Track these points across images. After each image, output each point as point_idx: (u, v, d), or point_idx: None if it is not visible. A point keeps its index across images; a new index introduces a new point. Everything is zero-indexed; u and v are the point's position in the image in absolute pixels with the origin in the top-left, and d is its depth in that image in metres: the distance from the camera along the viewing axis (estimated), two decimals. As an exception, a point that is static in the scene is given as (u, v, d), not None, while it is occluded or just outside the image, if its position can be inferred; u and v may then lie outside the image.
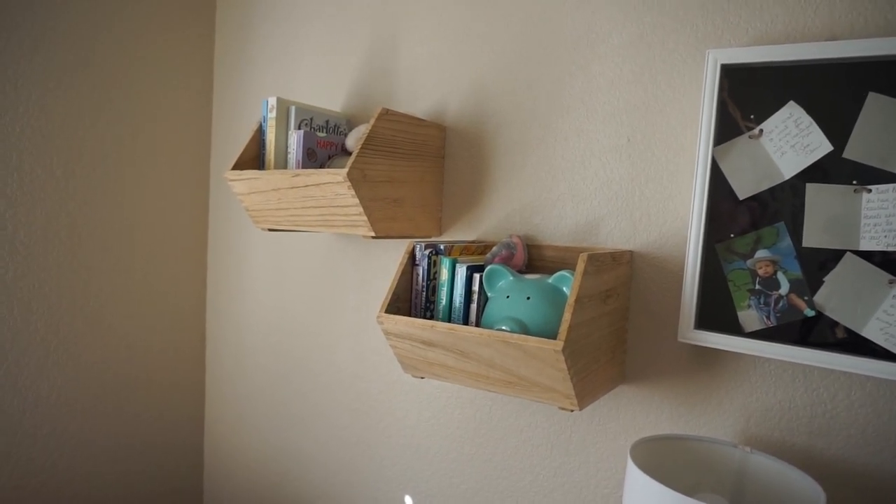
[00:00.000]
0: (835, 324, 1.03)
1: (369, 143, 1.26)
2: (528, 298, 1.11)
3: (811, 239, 1.05)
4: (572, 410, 1.08)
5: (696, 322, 1.15)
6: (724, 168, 1.12)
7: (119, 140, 1.83)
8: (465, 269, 1.20)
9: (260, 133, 1.50)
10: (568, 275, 1.10)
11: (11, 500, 1.69)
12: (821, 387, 1.08)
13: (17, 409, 1.68)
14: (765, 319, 1.09)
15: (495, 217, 1.43)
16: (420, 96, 1.55)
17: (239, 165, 1.45)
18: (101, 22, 1.76)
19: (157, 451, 2.04)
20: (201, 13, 2.01)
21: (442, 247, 1.26)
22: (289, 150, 1.45)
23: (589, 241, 1.31)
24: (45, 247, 1.69)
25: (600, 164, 1.29)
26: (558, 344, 0.98)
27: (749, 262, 1.10)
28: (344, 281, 1.72)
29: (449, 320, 1.23)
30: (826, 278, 1.03)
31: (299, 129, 1.46)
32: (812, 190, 1.04)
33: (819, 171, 1.04)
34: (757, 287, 1.09)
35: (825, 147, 1.03)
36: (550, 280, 1.13)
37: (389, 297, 1.21)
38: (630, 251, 1.25)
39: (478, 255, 1.33)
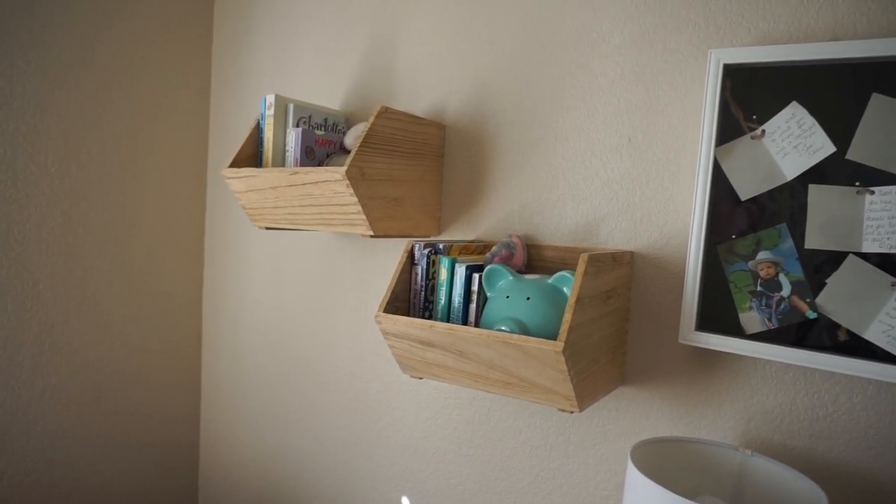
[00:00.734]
0: (837, 326, 1.02)
1: (368, 141, 1.25)
2: (528, 299, 1.10)
3: (813, 240, 1.04)
4: (572, 412, 1.07)
5: (696, 323, 1.14)
6: (726, 168, 1.11)
7: (115, 137, 1.82)
8: (464, 268, 1.19)
9: (258, 130, 1.48)
10: (568, 275, 1.09)
11: (5, 498, 1.67)
12: (822, 389, 1.07)
13: (11, 407, 1.67)
14: (766, 321, 1.08)
15: (495, 217, 1.42)
16: (420, 95, 1.54)
17: (236, 163, 1.44)
18: (98, 18, 1.74)
19: (153, 450, 2.03)
20: (199, 11, 2.00)
21: (441, 246, 1.24)
22: (287, 147, 1.44)
23: (589, 242, 1.30)
24: (39, 244, 1.68)
25: (601, 163, 1.28)
26: (558, 345, 0.97)
27: (750, 263, 1.09)
28: (342, 280, 1.71)
29: (448, 320, 1.22)
30: (828, 280, 1.03)
31: (297, 126, 1.45)
32: (814, 191, 1.04)
33: (822, 173, 1.03)
34: (758, 289, 1.09)
35: (828, 148, 1.02)
36: (550, 280, 1.12)
37: (388, 296, 1.20)
38: (631, 252, 1.24)
39: (477, 255, 1.32)
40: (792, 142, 1.05)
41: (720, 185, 1.11)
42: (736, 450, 1.08)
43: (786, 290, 1.06)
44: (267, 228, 1.49)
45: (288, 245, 1.83)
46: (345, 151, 1.50)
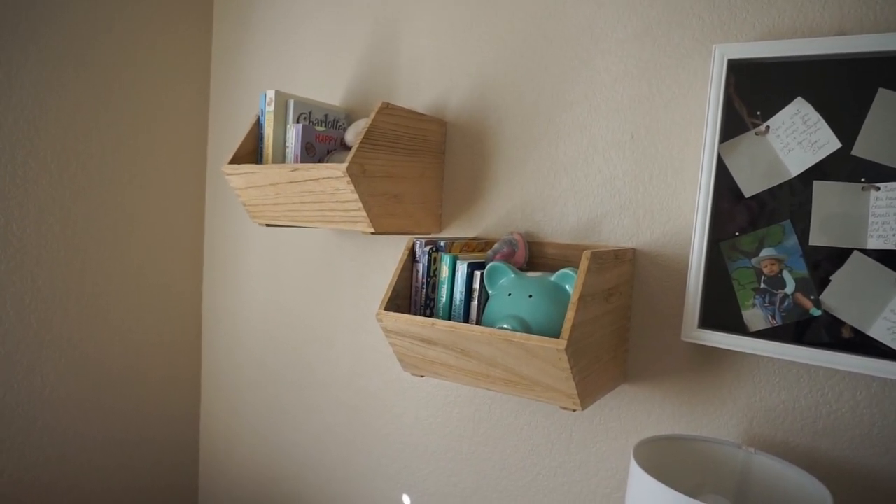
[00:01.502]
0: (841, 323, 1.02)
1: (369, 137, 1.24)
2: (531, 296, 1.09)
3: (818, 237, 1.03)
4: (574, 410, 1.07)
5: (699, 321, 1.13)
6: (730, 165, 1.10)
7: (115, 133, 1.81)
8: (465, 266, 1.18)
9: (258, 127, 1.47)
10: (570, 273, 1.09)
11: (5, 495, 1.67)
12: (826, 387, 1.07)
13: (11, 403, 1.66)
14: (770, 319, 1.07)
15: (496, 214, 1.42)
16: (421, 90, 1.53)
17: (236, 159, 1.43)
18: (98, 14, 1.73)
19: (153, 446, 2.02)
20: (199, 7, 1.98)
21: (442, 243, 1.24)
22: (287, 144, 1.43)
23: (591, 239, 1.29)
24: (38, 240, 1.67)
25: (603, 160, 1.27)
26: (561, 343, 0.97)
27: (754, 260, 1.09)
28: (341, 277, 1.70)
29: (449, 318, 1.21)
30: (832, 277, 1.02)
31: (298, 122, 1.44)
32: (819, 188, 1.03)
33: (826, 169, 1.02)
34: (762, 286, 1.08)
35: (833, 144, 1.01)
36: (553, 278, 1.11)
37: (389, 294, 1.20)
38: (633, 249, 1.23)
39: (479, 253, 1.32)
40: (797, 138, 1.05)
41: (724, 181, 1.11)
42: (739, 447, 1.07)
43: (790, 288, 1.06)
44: (267, 225, 1.48)
45: (287, 242, 1.82)
46: (345, 148, 1.49)
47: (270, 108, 1.43)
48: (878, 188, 0.98)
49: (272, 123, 1.43)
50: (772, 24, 1.09)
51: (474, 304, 1.20)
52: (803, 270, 1.05)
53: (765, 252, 1.08)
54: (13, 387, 1.66)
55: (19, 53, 1.59)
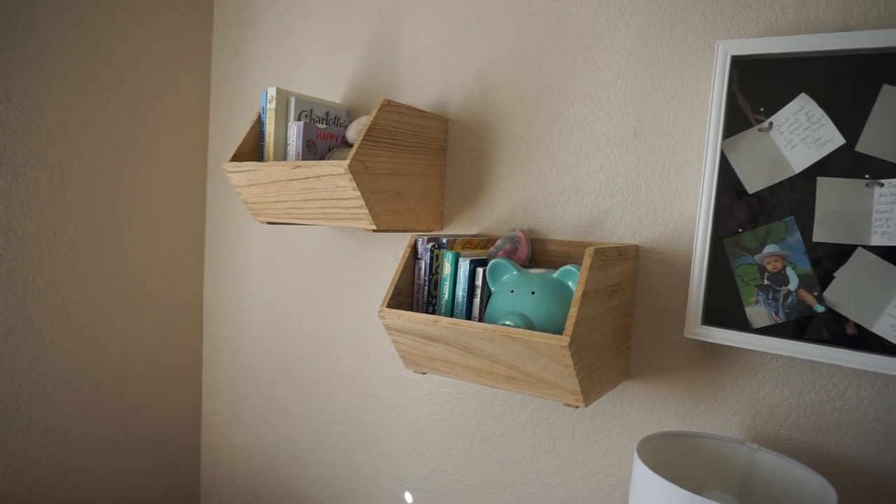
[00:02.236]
0: (845, 320, 1.01)
1: (371, 134, 1.24)
2: (533, 293, 1.09)
3: (821, 234, 1.03)
4: (577, 407, 1.06)
5: (703, 318, 1.13)
6: (733, 161, 1.10)
7: (116, 131, 1.80)
8: (468, 263, 1.18)
9: (259, 124, 1.47)
10: (573, 269, 1.08)
11: (7, 495, 1.67)
12: (829, 383, 1.07)
13: (12, 403, 1.66)
14: (773, 315, 1.07)
15: (498, 211, 1.41)
16: (422, 88, 1.52)
17: (237, 157, 1.43)
18: (98, 11, 1.73)
19: (154, 446, 2.02)
20: (200, 4, 1.98)
21: (444, 240, 1.23)
22: (288, 141, 1.43)
23: (594, 236, 1.29)
24: (39, 239, 1.67)
25: (606, 157, 1.27)
26: (564, 339, 0.97)
27: (757, 257, 1.08)
28: (342, 275, 1.70)
29: (451, 315, 1.21)
30: (836, 273, 1.02)
31: (299, 120, 1.44)
32: (823, 184, 1.02)
33: (830, 165, 1.02)
34: (765, 282, 1.08)
35: (837, 140, 1.01)
36: (556, 275, 1.11)
37: (391, 291, 1.19)
38: (636, 246, 1.23)
39: (481, 250, 1.31)
40: (800, 134, 1.04)
41: (727, 178, 1.10)
42: (742, 444, 1.07)
43: (793, 284, 1.05)
44: (269, 223, 1.48)
45: (288, 240, 1.82)
46: (346, 145, 1.49)
47: (272, 106, 1.43)
48: (882, 184, 0.98)
49: (273, 121, 1.43)
50: (775, 20, 1.09)
51: (477, 301, 1.19)
52: (807, 267, 1.04)
53: (768, 249, 1.08)
54: (15, 386, 1.66)
55: (19, 53, 1.58)
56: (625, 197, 1.25)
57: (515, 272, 1.15)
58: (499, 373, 1.11)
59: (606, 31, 1.26)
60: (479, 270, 1.19)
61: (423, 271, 1.23)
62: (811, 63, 1.03)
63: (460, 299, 1.20)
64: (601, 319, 1.08)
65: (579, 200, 1.30)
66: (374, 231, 1.29)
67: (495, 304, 1.13)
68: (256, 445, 1.96)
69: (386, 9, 1.58)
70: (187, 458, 2.14)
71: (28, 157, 1.62)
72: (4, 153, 1.58)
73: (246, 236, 1.95)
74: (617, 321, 1.17)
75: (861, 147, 0.99)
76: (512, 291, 1.11)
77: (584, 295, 1.01)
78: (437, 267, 1.24)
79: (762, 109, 1.08)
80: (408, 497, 1.59)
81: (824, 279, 1.03)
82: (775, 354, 1.10)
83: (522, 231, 1.30)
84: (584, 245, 1.27)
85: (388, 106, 1.27)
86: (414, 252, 1.24)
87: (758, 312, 1.09)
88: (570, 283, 1.09)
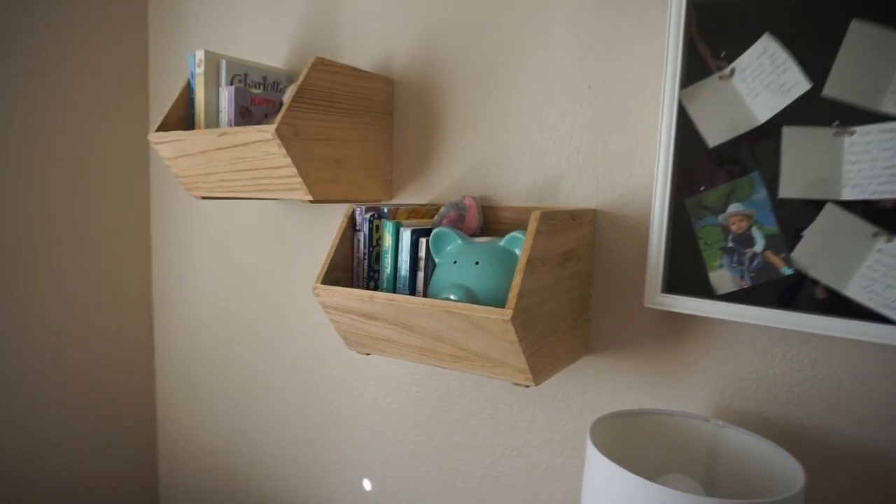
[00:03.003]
0: (815, 283, 0.93)
1: (301, 95, 1.13)
2: (477, 263, 0.99)
3: (788, 189, 0.94)
4: (528, 386, 0.98)
5: (663, 286, 1.04)
6: (692, 113, 1.00)
7: (45, 103, 1.68)
8: (409, 233, 1.08)
9: (189, 91, 1.36)
10: (520, 236, 0.99)
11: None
12: (800, 353, 0.98)
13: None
14: (738, 280, 0.98)
15: (450, 177, 1.31)
16: (367, 48, 1.41)
17: (165, 127, 1.31)
18: (15, -26, 1.59)
19: (109, 434, 1.93)
20: (133, -34, 1.84)
21: (385, 210, 1.13)
22: (220, 108, 1.32)
23: (550, 201, 1.19)
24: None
25: (559, 114, 1.17)
26: (507, 313, 0.87)
27: (721, 217, 0.99)
28: (291, 251, 1.60)
29: (394, 290, 1.11)
30: (804, 233, 0.93)
31: (231, 85, 1.32)
32: (789, 134, 0.93)
33: (796, 113, 0.92)
34: (730, 245, 0.99)
35: (802, 85, 0.91)
36: (502, 243, 1.02)
37: (327, 266, 1.10)
38: (593, 210, 1.14)
39: (428, 219, 1.22)
40: (763, 80, 0.95)
41: (686, 132, 1.01)
42: (707, 421, 0.99)
43: (759, 245, 0.96)
44: (204, 198, 1.37)
45: (235, 215, 1.71)
46: (286, 112, 1.38)
47: (200, 70, 1.31)
48: (853, 132, 0.89)
49: (203, 87, 1.31)
50: (736, -46, 0.98)
51: (421, 274, 1.10)
52: (773, 226, 0.95)
53: (732, 207, 0.98)
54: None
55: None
56: (581, 157, 1.15)
57: (460, 241, 1.05)
58: (443, 351, 1.02)
59: (557, -24, 1.15)
60: (423, 241, 1.09)
61: (362, 244, 1.13)
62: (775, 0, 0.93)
63: (403, 273, 1.10)
64: (552, 290, 0.99)
65: (532, 163, 1.20)
66: (310, 202, 1.19)
67: (438, 276, 1.04)
68: (213, 430, 1.87)
69: (326, -37, 1.46)
70: (143, 439, 2.05)
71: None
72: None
73: (192, 213, 1.83)
74: (572, 292, 1.07)
75: (829, 91, 0.89)
76: (455, 262, 1.02)
77: (530, 263, 0.91)
78: (378, 239, 1.14)
79: (723, 54, 0.98)
80: (366, 485, 1.51)
81: (792, 239, 0.94)
82: (741, 323, 1.02)
83: (474, 198, 1.20)
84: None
85: (321, 65, 1.16)
86: (352, 223, 1.14)
87: (722, 277, 1.00)
88: (517, 251, 1.00)
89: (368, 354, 1.16)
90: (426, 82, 1.32)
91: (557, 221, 0.99)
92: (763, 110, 0.95)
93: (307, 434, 1.63)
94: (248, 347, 1.74)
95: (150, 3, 1.88)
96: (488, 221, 1.23)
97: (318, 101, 1.16)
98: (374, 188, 1.34)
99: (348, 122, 1.24)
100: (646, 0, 1.06)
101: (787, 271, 0.95)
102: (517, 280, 0.89)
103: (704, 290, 1.01)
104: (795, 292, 0.94)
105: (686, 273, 1.03)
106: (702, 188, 1.01)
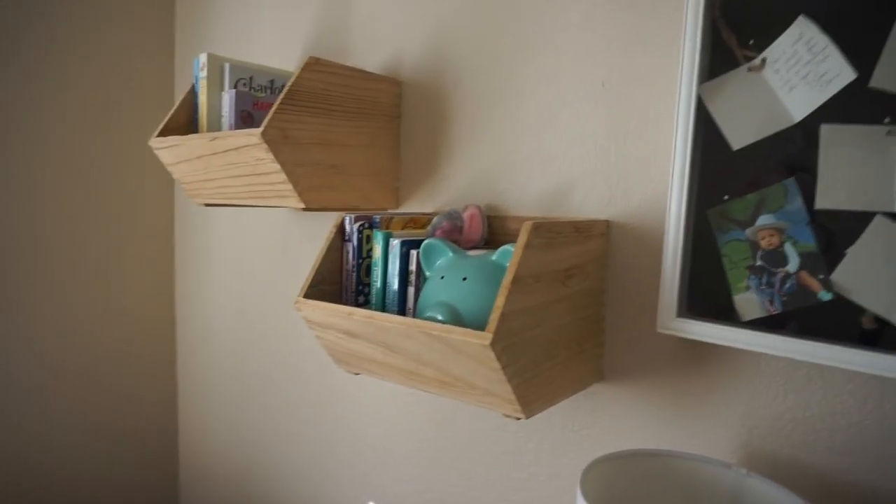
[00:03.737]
0: (860, 310, 0.78)
1: (291, 97, 1.06)
2: (465, 279, 0.90)
3: (829, 199, 0.79)
4: (518, 419, 0.87)
5: (679, 309, 0.91)
6: (715, 111, 0.87)
7: (73, 108, 1.70)
8: (398, 244, 1.00)
9: (193, 95, 1.32)
10: (512, 249, 0.88)
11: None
12: (844, 392, 0.83)
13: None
14: (767, 305, 0.84)
15: (457, 185, 1.22)
16: (379, 49, 1.34)
17: (167, 132, 1.28)
18: (45, -17, 1.62)
19: (131, 443, 1.93)
20: (164, -26, 1.85)
21: (377, 219, 1.05)
22: (222, 113, 1.27)
23: (560, 210, 1.08)
24: (1, 230, 1.58)
25: (572, 115, 1.05)
26: (486, 336, 0.77)
27: (749, 230, 0.86)
28: (300, 260, 1.54)
29: (383, 306, 1.03)
30: (848, 251, 0.78)
31: (234, 88, 1.28)
32: (829, 133, 0.79)
33: (838, 109, 0.78)
34: (758, 263, 0.85)
35: (846, 75, 0.77)
36: (494, 256, 0.91)
37: (311, 278, 1.02)
38: (606, 221, 1.02)
39: (424, 229, 1.13)
40: (800, 71, 0.81)
41: (707, 132, 0.88)
42: (728, 468, 0.85)
43: (792, 265, 0.82)
44: (206, 205, 1.33)
45: (247, 222, 1.68)
46: (291, 116, 1.32)
47: (203, 74, 1.28)
48: (908, 130, 0.74)
49: (206, 91, 1.28)
50: (768, -74, 0.85)
51: (411, 289, 1.01)
52: (810, 242, 0.81)
53: (762, 220, 0.85)
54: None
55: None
56: (594, 163, 1.03)
57: (451, 254, 0.96)
58: (427, 375, 0.92)
59: (569, -37, 1.04)
60: (414, 253, 1.00)
61: (350, 255, 1.05)
62: (812, -24, 0.79)
63: (394, 288, 1.02)
64: (549, 311, 0.88)
65: (543, 169, 1.09)
66: (303, 210, 1.12)
67: (425, 292, 0.94)
68: (230, 441, 1.84)
69: (339, -39, 1.40)
70: (165, 466, 2.04)
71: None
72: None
73: (211, 220, 1.81)
74: (578, 312, 0.96)
75: (877, 82, 0.75)
76: (442, 277, 0.92)
77: (517, 280, 0.81)
78: (369, 250, 1.06)
79: (752, 42, 0.84)
80: (372, 509, 1.43)
81: (833, 258, 0.79)
82: (773, 355, 0.87)
83: (478, 207, 1.10)
84: (547, 222, 1.06)
85: (315, 65, 1.10)
86: (342, 233, 1.06)
87: (748, 301, 0.86)
88: (507, 266, 0.89)
89: (357, 374, 1.07)
90: (436, 85, 1.24)
91: (556, 234, 0.88)
92: (799, 106, 0.81)
93: (317, 449, 1.57)
94: (261, 357, 1.70)
95: (177, 16, 1.88)
96: (494, 232, 1.13)
97: (311, 104, 1.09)
98: (380, 196, 1.26)
99: (350, 125, 1.17)
100: (665, -16, 0.94)
101: (825, 296, 0.80)
102: (500, 300, 0.79)
103: (728, 315, 0.87)
104: (837, 321, 0.79)
105: (707, 295, 0.89)
106: (726, 197, 0.87)
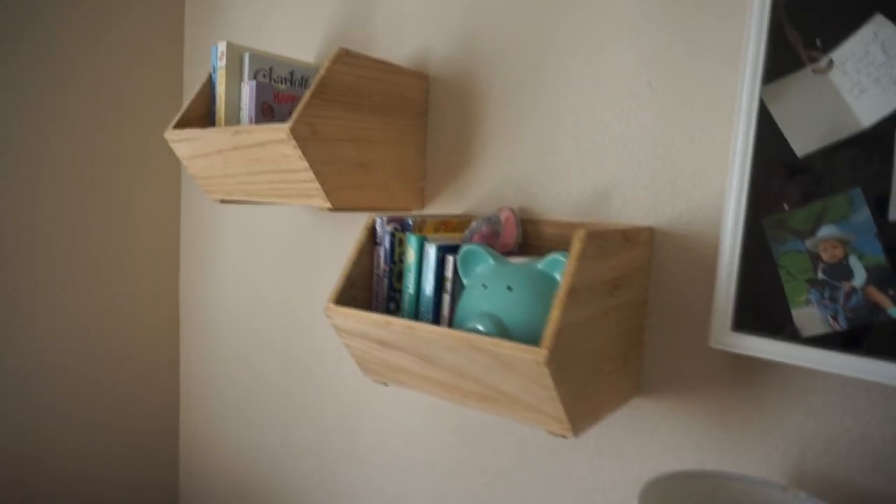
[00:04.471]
0: (932, 329, 0.74)
1: (322, 91, 1.01)
2: (510, 289, 0.85)
3: (900, 211, 0.75)
4: (565, 437, 0.82)
5: (733, 322, 0.86)
6: (777, 114, 0.82)
7: (77, 102, 1.63)
8: (434, 249, 0.95)
9: (210, 86, 1.26)
10: (561, 258, 0.84)
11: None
12: (907, 413, 0.79)
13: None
14: (830, 320, 0.80)
15: (488, 186, 1.17)
16: (404, 41, 1.28)
17: (184, 124, 1.22)
18: (50, -34, 1.55)
19: (132, 448, 1.87)
20: (173, -41, 1.78)
21: (410, 222, 1.00)
22: (241, 104, 1.22)
23: (599, 215, 1.03)
24: (1, 228, 1.52)
25: (614, 117, 1.01)
26: (541, 353, 0.72)
27: (809, 242, 0.81)
28: (319, 262, 1.49)
29: (416, 314, 0.98)
30: (921, 266, 0.74)
31: (254, 79, 1.22)
32: (904, 142, 0.75)
33: (915, 116, 0.74)
34: (820, 276, 0.81)
35: (926, 81, 0.73)
36: (540, 265, 0.87)
37: (342, 283, 0.97)
38: (650, 228, 0.97)
39: (459, 234, 1.08)
40: (872, 73, 0.76)
41: (768, 137, 0.83)
42: (785, 490, 0.81)
43: (859, 279, 0.78)
44: (222, 202, 1.27)
45: (261, 220, 1.62)
46: (312, 110, 1.27)
47: (222, 64, 1.22)
48: None
49: (224, 81, 1.22)
50: (839, -79, 0.80)
51: (447, 297, 0.96)
52: (879, 255, 0.77)
53: (824, 231, 0.80)
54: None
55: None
56: (637, 166, 0.99)
57: (492, 262, 0.91)
58: (468, 389, 0.87)
59: (616, -44, 0.99)
60: (451, 259, 0.95)
61: (382, 259, 1.00)
62: (890, -25, 0.75)
63: (427, 294, 0.97)
64: (598, 323, 0.84)
65: (581, 171, 1.05)
66: (330, 210, 1.07)
67: (465, 302, 0.89)
68: (236, 445, 1.79)
69: (363, -50, 1.35)
70: (165, 468, 1.98)
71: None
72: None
73: (220, 218, 1.75)
74: (623, 324, 0.91)
75: (962, 88, 0.71)
76: (484, 286, 0.87)
77: (572, 292, 0.76)
78: (401, 254, 1.00)
79: (818, 42, 0.80)
80: (389, 519, 1.38)
81: (903, 273, 0.75)
82: (833, 374, 0.83)
83: (511, 210, 1.05)
84: (587, 227, 1.01)
85: (346, 57, 1.04)
86: (372, 236, 1.01)
87: (809, 316, 0.82)
88: (556, 276, 0.85)
89: (386, 385, 1.03)
90: (466, 81, 1.18)
91: (607, 242, 0.84)
92: (869, 111, 0.77)
93: (331, 456, 1.52)
94: (270, 360, 1.64)
95: (186, 5, 1.82)
96: (528, 237, 1.08)
97: (341, 98, 1.04)
98: (406, 196, 1.21)
99: (378, 121, 1.12)
100: (722, -20, 0.89)
101: (895, 312, 0.76)
102: (556, 313, 0.74)
103: (786, 330, 0.83)
104: (906, 339, 0.76)
105: (763, 309, 0.85)
106: (785, 206, 0.83)
